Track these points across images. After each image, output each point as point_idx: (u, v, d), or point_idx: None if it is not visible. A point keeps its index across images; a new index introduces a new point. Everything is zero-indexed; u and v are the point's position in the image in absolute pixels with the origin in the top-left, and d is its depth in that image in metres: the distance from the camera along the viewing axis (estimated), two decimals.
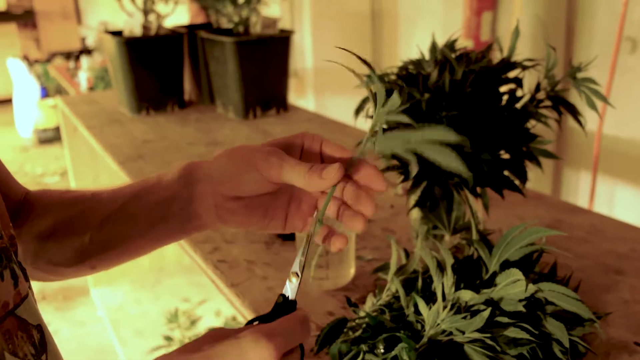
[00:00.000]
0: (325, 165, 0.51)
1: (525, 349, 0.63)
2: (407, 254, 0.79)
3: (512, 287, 0.62)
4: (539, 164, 0.86)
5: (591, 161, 1.72)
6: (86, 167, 2.24)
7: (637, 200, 1.82)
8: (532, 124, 0.86)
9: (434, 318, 0.64)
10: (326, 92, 2.75)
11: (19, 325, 0.40)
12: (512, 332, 0.62)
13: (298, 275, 0.52)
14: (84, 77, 3.80)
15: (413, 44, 2.56)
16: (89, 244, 0.58)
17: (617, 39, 1.43)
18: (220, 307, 1.78)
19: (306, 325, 0.48)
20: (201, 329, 1.59)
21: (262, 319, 0.48)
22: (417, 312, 0.68)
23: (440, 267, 0.68)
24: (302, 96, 2.76)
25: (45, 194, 0.63)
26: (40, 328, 0.43)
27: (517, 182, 0.85)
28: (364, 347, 0.68)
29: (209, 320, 1.69)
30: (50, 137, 5.23)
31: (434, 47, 0.91)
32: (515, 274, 0.61)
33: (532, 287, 0.61)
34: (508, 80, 0.86)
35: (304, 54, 2.72)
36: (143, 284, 2.56)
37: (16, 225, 0.58)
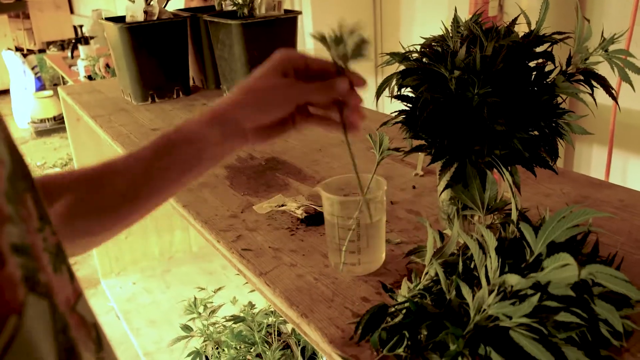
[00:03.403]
0: (332, 81, 0.65)
1: (574, 332, 0.61)
2: (442, 236, 0.77)
3: (561, 271, 0.60)
4: (569, 140, 0.84)
5: (603, 134, 1.69)
6: (91, 156, 2.20)
7: None
8: (562, 99, 0.83)
9: (480, 303, 0.62)
10: None
11: (79, 322, 0.38)
12: (562, 317, 0.60)
13: None
14: (82, 65, 3.74)
15: (416, 23, 2.53)
16: (117, 212, 0.62)
17: (634, 10, 1.40)
18: (235, 295, 1.77)
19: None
20: (221, 317, 1.57)
21: None
22: (460, 296, 0.66)
23: (482, 249, 0.66)
24: None
25: (52, 177, 0.64)
26: (96, 327, 0.41)
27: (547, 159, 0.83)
28: (406, 333, 0.66)
29: (226, 309, 1.67)
30: (48, 129, 5.19)
31: (456, 22, 0.88)
32: (565, 258, 0.59)
33: (584, 272, 0.59)
34: (537, 55, 0.83)
35: (304, 35, 2.68)
36: (152, 274, 2.54)
37: None
